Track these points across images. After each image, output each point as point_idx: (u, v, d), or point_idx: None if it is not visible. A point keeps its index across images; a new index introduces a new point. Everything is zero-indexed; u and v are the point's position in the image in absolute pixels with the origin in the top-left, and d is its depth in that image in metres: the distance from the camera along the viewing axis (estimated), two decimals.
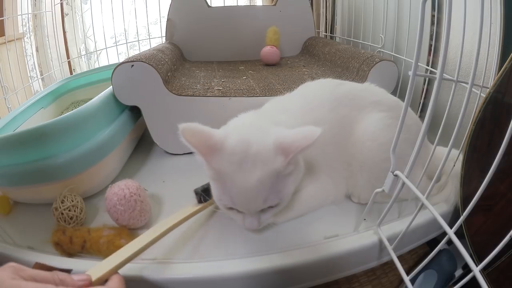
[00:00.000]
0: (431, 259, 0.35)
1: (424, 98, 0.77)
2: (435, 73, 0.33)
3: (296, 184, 0.44)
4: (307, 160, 0.48)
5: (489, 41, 0.52)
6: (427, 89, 0.77)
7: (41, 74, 1.18)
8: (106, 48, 1.26)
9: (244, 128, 0.43)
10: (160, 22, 1.23)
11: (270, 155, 0.38)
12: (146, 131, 0.77)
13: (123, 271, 0.40)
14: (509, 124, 0.26)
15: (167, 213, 0.53)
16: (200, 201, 0.49)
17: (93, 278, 0.33)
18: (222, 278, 0.41)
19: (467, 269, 0.52)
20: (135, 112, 0.72)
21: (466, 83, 0.34)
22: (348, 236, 0.46)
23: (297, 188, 0.46)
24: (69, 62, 1.31)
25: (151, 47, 0.97)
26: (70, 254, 0.45)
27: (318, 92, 0.54)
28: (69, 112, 0.53)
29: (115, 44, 1.28)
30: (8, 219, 0.54)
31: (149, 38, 1.26)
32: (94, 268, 0.35)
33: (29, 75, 1.13)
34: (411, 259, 0.56)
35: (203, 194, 0.48)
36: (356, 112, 0.51)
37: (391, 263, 0.44)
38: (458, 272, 0.53)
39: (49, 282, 0.28)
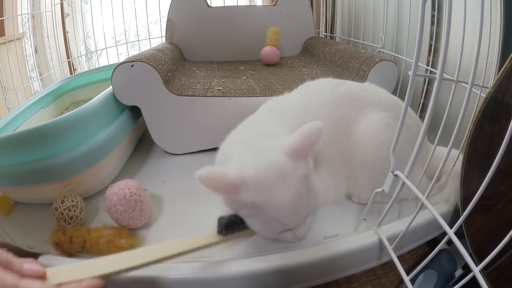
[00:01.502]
0: (431, 259, 0.35)
1: (424, 98, 0.77)
2: (435, 73, 0.33)
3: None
4: None
5: (489, 41, 0.52)
6: (427, 89, 0.77)
7: (41, 74, 1.18)
8: (106, 48, 1.26)
9: (249, 156, 0.42)
10: (160, 22, 1.23)
11: (291, 165, 0.38)
12: (146, 131, 0.77)
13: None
14: (509, 124, 0.26)
15: (167, 213, 0.54)
16: (220, 232, 0.43)
17: (60, 281, 0.28)
18: (222, 278, 0.41)
19: (467, 269, 0.52)
20: (135, 112, 0.72)
21: (466, 83, 0.34)
22: (348, 236, 0.46)
23: None
24: (69, 62, 1.31)
25: (151, 47, 0.97)
26: (70, 254, 0.45)
27: (318, 92, 0.54)
28: (69, 112, 0.53)
29: (115, 44, 1.28)
30: (8, 219, 0.54)
31: (149, 38, 1.26)
32: (68, 268, 0.30)
33: (29, 75, 1.13)
34: (411, 259, 0.55)
35: (225, 228, 0.42)
36: (356, 111, 0.51)
37: (391, 263, 0.44)
38: (458, 272, 0.53)
39: None
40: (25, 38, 1.14)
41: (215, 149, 0.50)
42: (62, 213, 0.48)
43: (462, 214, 0.32)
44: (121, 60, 0.69)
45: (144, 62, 0.64)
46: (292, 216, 0.39)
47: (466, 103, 0.34)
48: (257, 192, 0.37)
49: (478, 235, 0.43)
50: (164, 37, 1.12)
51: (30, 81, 1.12)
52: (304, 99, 0.53)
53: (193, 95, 0.68)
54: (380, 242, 0.45)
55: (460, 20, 0.39)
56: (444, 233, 0.33)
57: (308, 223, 0.43)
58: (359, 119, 0.51)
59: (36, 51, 1.21)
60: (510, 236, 0.27)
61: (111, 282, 0.40)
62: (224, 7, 1.20)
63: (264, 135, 0.45)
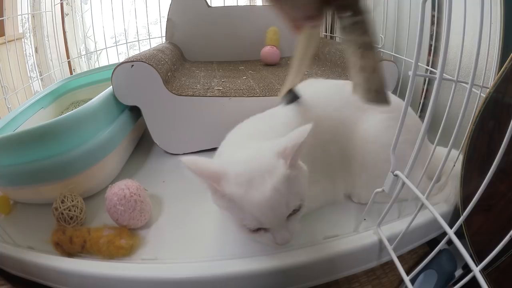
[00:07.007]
0: (431, 259, 0.35)
1: (424, 98, 0.77)
2: (435, 73, 0.33)
3: (307, 180, 0.43)
4: (307, 160, 0.48)
5: (489, 41, 0.52)
6: (427, 89, 0.77)
7: (41, 74, 1.18)
8: (106, 48, 1.26)
9: (236, 152, 0.43)
10: (160, 22, 1.23)
11: (274, 164, 0.38)
12: (146, 131, 0.77)
13: (123, 271, 0.40)
14: (509, 124, 0.26)
15: (167, 213, 0.54)
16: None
17: None
18: (222, 278, 0.41)
19: (467, 269, 0.52)
20: (135, 112, 0.72)
21: (466, 83, 0.34)
22: (348, 236, 0.46)
23: None
24: (69, 62, 1.31)
25: (151, 47, 0.97)
26: (70, 254, 0.45)
27: (324, 91, 0.54)
28: (69, 112, 0.53)
29: (115, 44, 1.28)
30: (8, 219, 0.55)
31: (149, 38, 1.26)
32: None
33: (29, 75, 1.13)
34: (411, 259, 0.55)
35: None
36: (360, 112, 0.51)
37: (391, 263, 0.44)
38: (458, 272, 0.53)
39: None
40: (25, 38, 1.14)
41: (215, 149, 0.50)
42: (62, 213, 0.48)
43: (462, 214, 0.32)
44: (121, 60, 0.69)
45: (144, 62, 0.64)
46: (267, 213, 0.38)
47: (466, 103, 0.34)
48: (236, 184, 0.38)
49: (478, 235, 0.43)
50: (164, 37, 1.13)
51: (30, 81, 1.12)
52: (309, 98, 0.53)
53: (193, 95, 0.68)
54: (380, 242, 0.45)
55: (460, 20, 0.39)
56: (444, 233, 0.33)
57: (292, 229, 0.41)
58: (362, 121, 0.51)
59: (36, 51, 1.21)
60: (510, 236, 0.27)
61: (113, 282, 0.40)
62: (224, 7, 1.20)
63: (258, 136, 0.46)
